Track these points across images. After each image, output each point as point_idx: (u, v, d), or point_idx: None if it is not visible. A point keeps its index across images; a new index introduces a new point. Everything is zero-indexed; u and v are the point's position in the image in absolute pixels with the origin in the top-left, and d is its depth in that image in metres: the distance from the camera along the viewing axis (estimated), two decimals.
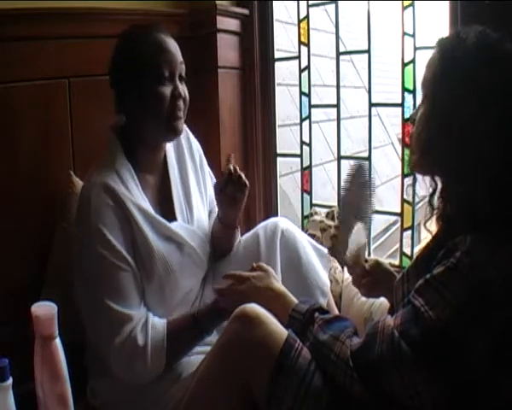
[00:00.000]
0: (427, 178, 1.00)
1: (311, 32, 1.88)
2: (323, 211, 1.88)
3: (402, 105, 1.64)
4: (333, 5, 1.82)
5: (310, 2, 1.86)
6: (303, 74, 1.91)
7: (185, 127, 1.34)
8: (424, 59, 1.01)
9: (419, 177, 1.07)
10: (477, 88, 0.87)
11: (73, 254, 1.28)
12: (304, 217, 1.97)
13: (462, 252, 0.84)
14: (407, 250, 1.71)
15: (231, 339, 0.99)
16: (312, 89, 1.92)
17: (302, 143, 1.94)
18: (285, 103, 2.86)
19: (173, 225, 1.27)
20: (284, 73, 2.64)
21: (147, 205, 1.24)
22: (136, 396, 1.21)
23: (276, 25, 1.97)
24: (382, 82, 2.89)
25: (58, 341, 0.91)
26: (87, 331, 1.27)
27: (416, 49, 1.59)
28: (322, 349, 0.94)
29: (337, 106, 1.85)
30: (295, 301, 1.10)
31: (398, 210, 1.71)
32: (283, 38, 3.29)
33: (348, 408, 0.91)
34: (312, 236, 1.78)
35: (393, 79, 1.89)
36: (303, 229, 1.91)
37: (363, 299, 1.62)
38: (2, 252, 1.40)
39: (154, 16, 1.67)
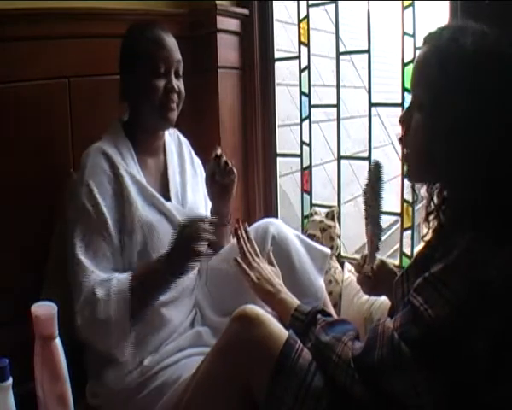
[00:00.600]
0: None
1: (311, 32, 1.88)
2: (323, 211, 1.88)
3: (402, 105, 1.64)
4: (333, 5, 1.82)
5: (310, 2, 1.86)
6: (303, 74, 1.91)
7: (181, 136, 1.42)
8: None
9: None
10: (478, 95, 0.85)
11: None
12: (304, 217, 1.97)
13: (461, 251, 0.84)
14: (407, 250, 1.71)
15: (231, 339, 0.99)
16: (312, 89, 1.92)
17: (302, 143, 1.94)
18: (285, 103, 2.86)
19: (166, 203, 1.32)
20: (284, 73, 2.64)
21: (141, 177, 1.30)
22: (136, 396, 1.21)
23: (276, 25, 1.97)
24: (382, 82, 2.88)
25: (58, 341, 0.91)
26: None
27: (415, 49, 1.59)
28: (323, 350, 0.94)
29: (337, 106, 1.85)
30: (296, 301, 1.11)
31: (398, 210, 1.71)
32: (283, 38, 3.29)
33: (348, 409, 0.91)
34: (312, 236, 1.78)
35: (393, 79, 1.88)
36: (303, 229, 1.91)
37: (363, 299, 1.62)
38: (2, 252, 1.40)
39: (154, 16, 1.67)
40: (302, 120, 1.93)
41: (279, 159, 2.02)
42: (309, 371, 0.93)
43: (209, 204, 1.46)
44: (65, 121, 1.52)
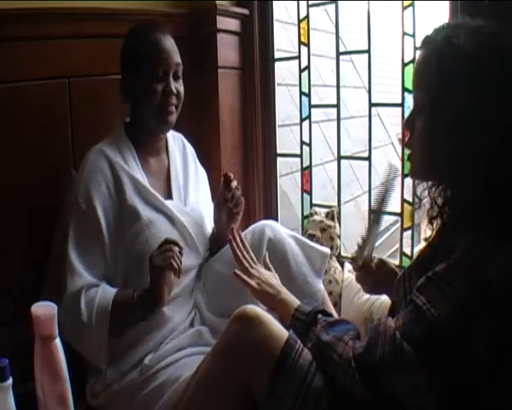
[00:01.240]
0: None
1: (311, 32, 1.88)
2: (323, 211, 1.88)
3: (402, 105, 1.64)
4: (333, 5, 1.82)
5: (310, 2, 1.86)
6: (303, 74, 1.91)
7: (186, 142, 1.46)
8: None
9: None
10: (476, 91, 0.86)
11: None
12: (304, 217, 1.97)
13: (462, 251, 0.85)
14: (407, 250, 1.71)
15: (231, 339, 0.99)
16: (312, 89, 1.92)
17: (302, 143, 1.94)
18: (285, 103, 2.86)
19: (166, 202, 1.33)
20: (284, 73, 2.64)
21: (142, 178, 1.31)
22: (136, 396, 1.21)
23: (276, 25, 1.97)
24: (382, 82, 2.88)
25: (58, 341, 0.91)
26: None
27: (415, 49, 1.59)
28: (324, 349, 0.94)
29: (337, 106, 1.85)
30: (297, 301, 1.11)
31: (398, 210, 1.71)
32: (283, 38, 3.28)
33: (348, 409, 0.91)
34: (312, 236, 1.78)
35: (393, 79, 1.88)
36: (303, 229, 1.91)
37: (363, 299, 1.62)
38: (2, 252, 1.40)
39: (154, 16, 1.67)
40: (302, 120, 1.93)
41: (279, 159, 2.02)
42: (309, 372, 0.93)
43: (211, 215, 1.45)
44: (65, 121, 1.53)
